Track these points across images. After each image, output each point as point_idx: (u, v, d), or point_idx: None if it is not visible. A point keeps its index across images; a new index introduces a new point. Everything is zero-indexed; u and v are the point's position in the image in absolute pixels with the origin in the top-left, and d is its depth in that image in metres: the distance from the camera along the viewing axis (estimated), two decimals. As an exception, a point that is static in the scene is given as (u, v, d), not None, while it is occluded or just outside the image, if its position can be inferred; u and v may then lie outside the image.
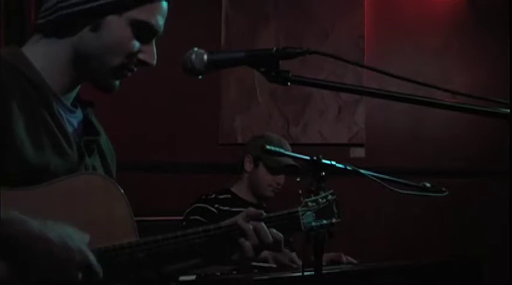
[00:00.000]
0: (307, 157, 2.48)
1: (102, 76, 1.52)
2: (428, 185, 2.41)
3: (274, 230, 1.61)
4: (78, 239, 1.35)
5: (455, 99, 1.36)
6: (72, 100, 1.57)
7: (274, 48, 1.40)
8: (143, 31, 1.51)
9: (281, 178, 3.31)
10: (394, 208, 4.33)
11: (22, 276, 1.30)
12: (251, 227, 1.58)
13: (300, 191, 1.83)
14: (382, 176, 2.37)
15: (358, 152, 4.65)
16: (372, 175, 2.36)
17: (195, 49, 1.47)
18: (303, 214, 1.75)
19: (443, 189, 2.39)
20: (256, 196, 3.32)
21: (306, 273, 2.22)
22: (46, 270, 1.30)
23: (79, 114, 1.58)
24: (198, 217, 3.10)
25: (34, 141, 1.40)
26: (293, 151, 2.92)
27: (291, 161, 3.21)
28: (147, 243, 1.49)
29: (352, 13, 4.69)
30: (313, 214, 1.77)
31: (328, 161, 2.39)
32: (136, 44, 1.51)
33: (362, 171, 2.40)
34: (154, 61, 1.54)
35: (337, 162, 2.42)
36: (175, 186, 4.60)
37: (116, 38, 1.48)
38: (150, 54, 1.54)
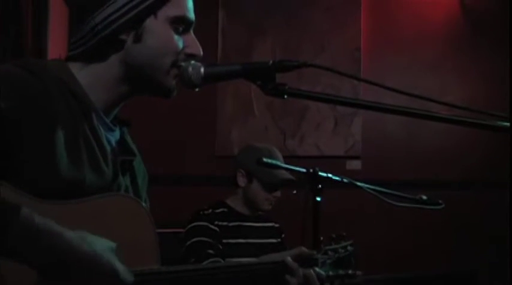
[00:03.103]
0: (304, 170, 2.48)
1: (160, 81, 1.51)
2: (424, 197, 2.41)
3: (323, 273, 1.67)
4: (108, 249, 1.35)
5: (452, 112, 1.36)
6: (112, 118, 1.56)
7: (271, 61, 1.40)
8: (181, 26, 1.51)
9: (278, 192, 3.18)
10: (391, 220, 4.33)
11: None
12: (298, 266, 1.63)
13: (322, 238, 1.83)
14: (378, 188, 2.37)
15: (355, 165, 4.66)
16: (368, 188, 2.37)
17: (192, 62, 1.48)
18: (322, 262, 1.75)
19: (440, 201, 2.39)
20: (252, 209, 3.20)
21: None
22: (76, 282, 1.30)
23: (117, 132, 1.58)
24: (203, 238, 2.98)
25: (72, 154, 1.39)
26: (290, 164, 2.90)
27: (287, 175, 3.09)
28: (172, 272, 1.49)
29: (348, 26, 4.71)
30: (331, 263, 1.78)
31: (324, 174, 2.39)
32: (180, 41, 1.51)
33: (358, 184, 2.40)
34: (201, 52, 1.53)
35: (333, 174, 2.42)
36: (173, 198, 4.59)
37: (160, 39, 1.49)
38: (194, 45, 1.53)
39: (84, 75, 1.49)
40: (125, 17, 1.46)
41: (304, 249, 1.68)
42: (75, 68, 1.50)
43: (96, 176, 1.44)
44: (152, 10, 1.48)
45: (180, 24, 1.51)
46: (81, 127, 1.44)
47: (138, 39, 1.48)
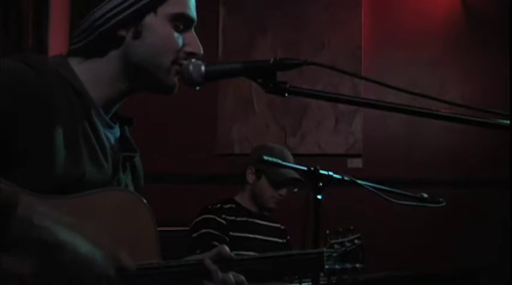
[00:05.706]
0: (305, 168, 2.48)
1: (161, 78, 1.51)
2: (425, 195, 2.42)
3: (242, 278, 1.55)
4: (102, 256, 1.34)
5: (452, 110, 1.36)
6: (112, 115, 1.56)
7: (272, 59, 1.40)
8: (181, 23, 1.51)
9: (284, 190, 3.28)
10: (392, 218, 4.33)
11: (47, 276, 1.29)
12: (217, 268, 1.52)
13: (328, 231, 1.79)
14: (379, 186, 2.37)
15: (356, 163, 4.66)
16: (369, 186, 2.37)
17: (193, 60, 1.48)
18: (328, 256, 1.71)
19: (441, 199, 2.39)
20: (258, 206, 3.30)
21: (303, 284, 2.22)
22: (68, 277, 1.29)
23: (117, 130, 1.57)
24: (210, 230, 3.08)
25: (72, 149, 1.39)
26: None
27: (294, 175, 3.16)
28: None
29: (349, 24, 4.71)
30: (338, 257, 1.74)
31: (325, 172, 2.39)
32: (180, 38, 1.51)
33: (359, 182, 2.40)
34: (201, 50, 1.53)
35: (334, 173, 2.42)
36: (173, 197, 4.59)
37: (159, 37, 1.48)
38: (195, 44, 1.53)
39: (83, 70, 1.48)
40: (124, 13, 1.46)
41: (224, 247, 1.56)
42: (74, 63, 1.50)
43: (96, 171, 1.44)
44: (152, 7, 1.48)
45: (180, 21, 1.51)
46: (80, 123, 1.43)
47: (137, 35, 1.48)
